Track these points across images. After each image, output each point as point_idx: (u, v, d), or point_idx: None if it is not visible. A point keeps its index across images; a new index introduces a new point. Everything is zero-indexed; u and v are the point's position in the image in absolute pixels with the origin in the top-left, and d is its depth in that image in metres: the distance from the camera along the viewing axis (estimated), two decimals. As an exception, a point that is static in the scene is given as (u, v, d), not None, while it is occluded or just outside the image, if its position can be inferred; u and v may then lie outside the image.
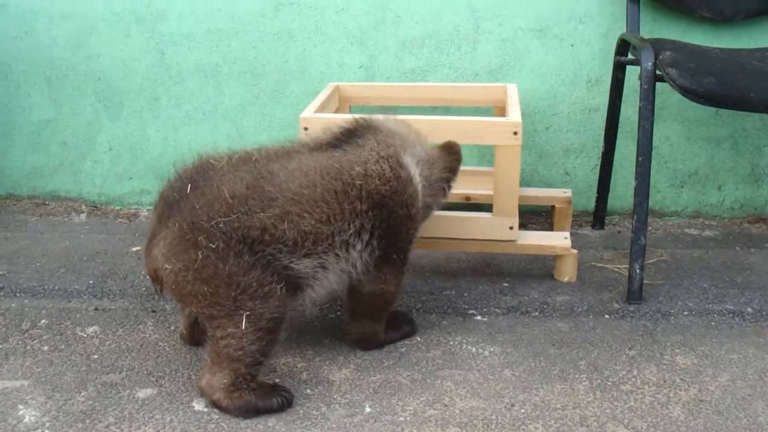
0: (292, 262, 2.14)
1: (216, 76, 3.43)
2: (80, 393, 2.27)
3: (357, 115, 2.44)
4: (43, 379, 2.34)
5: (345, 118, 2.46)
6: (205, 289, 2.06)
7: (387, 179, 2.25)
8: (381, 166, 2.26)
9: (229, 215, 2.07)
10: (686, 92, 2.53)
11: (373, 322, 2.43)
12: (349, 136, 2.34)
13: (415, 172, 2.36)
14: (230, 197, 2.09)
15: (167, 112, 3.51)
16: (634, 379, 2.29)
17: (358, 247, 2.25)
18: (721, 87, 2.52)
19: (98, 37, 3.46)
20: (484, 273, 2.96)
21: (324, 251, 2.19)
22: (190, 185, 2.14)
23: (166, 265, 2.08)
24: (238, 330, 2.08)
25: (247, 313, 2.07)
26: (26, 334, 2.59)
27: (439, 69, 3.31)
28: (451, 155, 2.54)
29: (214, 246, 2.04)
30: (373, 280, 2.33)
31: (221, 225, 2.06)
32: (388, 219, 2.27)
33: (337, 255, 2.22)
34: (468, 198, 3.19)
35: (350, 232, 2.21)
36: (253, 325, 2.08)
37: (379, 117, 2.47)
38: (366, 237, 2.25)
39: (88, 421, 2.14)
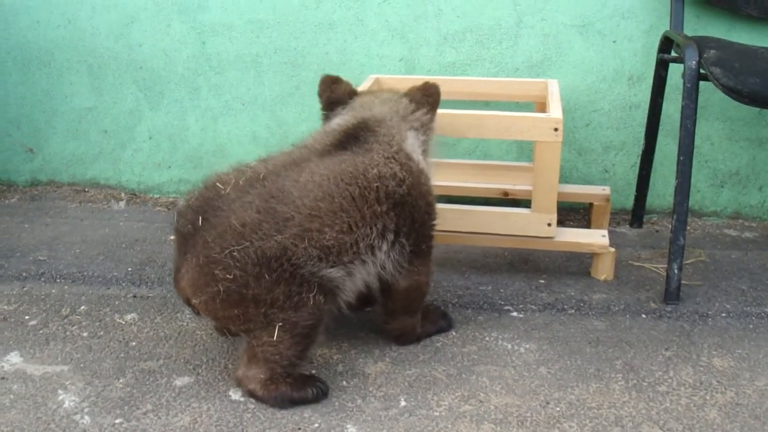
0: (318, 271, 2.11)
1: (256, 66, 3.44)
2: (119, 379, 2.30)
3: (349, 115, 2.43)
4: (82, 365, 2.37)
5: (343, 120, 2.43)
6: (235, 312, 2.07)
7: (401, 179, 2.24)
8: (391, 167, 2.24)
9: (241, 243, 2.05)
10: (730, 92, 2.50)
11: (410, 316, 2.43)
12: (351, 138, 2.31)
13: (419, 155, 2.35)
14: (241, 226, 2.06)
15: (207, 102, 3.53)
16: (670, 380, 2.27)
17: (384, 248, 2.23)
18: (767, 87, 2.49)
19: (140, 26, 3.48)
20: (520, 269, 2.95)
21: (350, 260, 2.16)
22: (200, 217, 2.12)
23: (194, 299, 2.12)
24: (273, 339, 2.09)
25: (280, 324, 2.08)
26: (66, 320, 2.62)
27: (479, 63, 3.30)
28: (427, 96, 2.51)
29: (231, 276, 2.03)
30: (407, 275, 2.33)
31: (235, 254, 2.04)
32: (412, 214, 2.26)
33: (363, 261, 2.20)
34: (506, 193, 3.18)
35: (374, 235, 2.19)
36: (288, 333, 2.09)
37: (365, 101, 2.48)
38: (391, 237, 2.24)
39: (126, 407, 2.17)
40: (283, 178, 2.16)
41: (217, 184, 2.18)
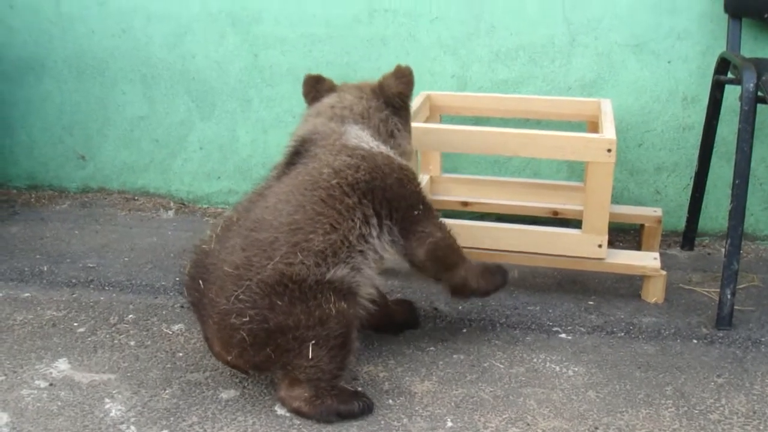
0: (323, 277, 2.12)
1: (307, 80, 3.44)
2: (165, 390, 2.30)
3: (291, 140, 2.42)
4: (129, 374, 2.38)
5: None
6: (268, 351, 2.09)
7: (356, 166, 2.23)
8: (342, 160, 2.24)
9: (242, 285, 2.08)
10: (789, 116, 2.46)
11: (453, 271, 2.40)
12: (296, 155, 2.32)
13: (369, 141, 2.33)
14: (234, 269, 2.10)
15: (258, 114, 3.55)
16: (722, 409, 2.23)
17: (374, 233, 2.24)
18: (827, 112, 2.45)
19: (193, 37, 3.51)
20: (569, 290, 2.92)
21: (348, 256, 2.17)
22: (200, 281, 2.18)
23: (228, 357, 2.14)
24: (310, 360, 2.10)
25: (313, 342, 2.09)
26: (114, 329, 2.64)
27: (531, 81, 3.28)
28: (399, 79, 2.51)
29: (247, 318, 2.06)
30: (418, 244, 2.32)
31: (241, 296, 2.07)
32: (384, 192, 2.25)
33: (361, 252, 2.20)
34: (555, 213, 3.16)
35: (358, 225, 2.19)
36: (323, 349, 2.10)
37: (307, 115, 2.48)
38: (375, 221, 2.24)
39: (172, 418, 2.17)
40: (253, 211, 2.22)
41: (202, 246, 2.25)
